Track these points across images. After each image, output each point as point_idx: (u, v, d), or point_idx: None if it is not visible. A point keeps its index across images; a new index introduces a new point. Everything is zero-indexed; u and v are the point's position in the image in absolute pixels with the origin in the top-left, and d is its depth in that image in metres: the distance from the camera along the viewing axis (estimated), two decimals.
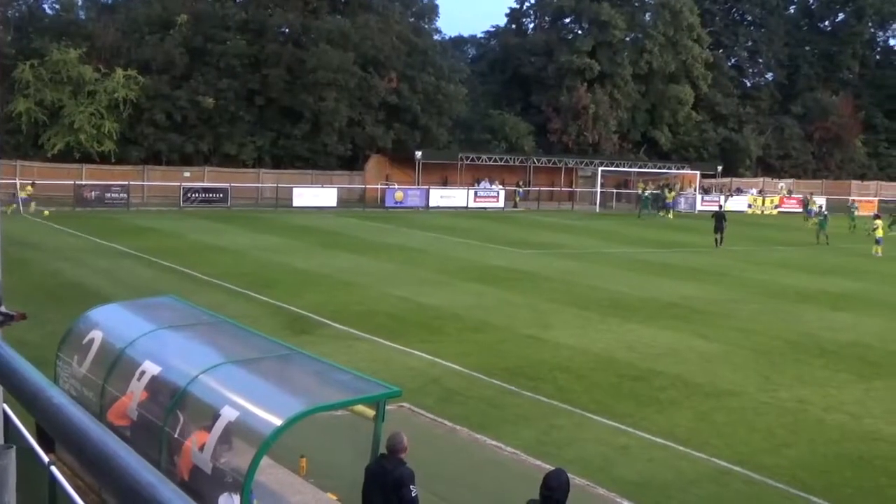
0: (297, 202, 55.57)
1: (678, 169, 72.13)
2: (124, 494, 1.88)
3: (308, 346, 15.92)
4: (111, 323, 11.40)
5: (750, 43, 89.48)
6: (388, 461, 8.41)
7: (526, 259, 35.35)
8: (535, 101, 75.86)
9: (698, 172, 71.26)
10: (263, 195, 58.26)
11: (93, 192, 50.63)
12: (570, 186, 70.62)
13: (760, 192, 76.18)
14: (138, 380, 9.72)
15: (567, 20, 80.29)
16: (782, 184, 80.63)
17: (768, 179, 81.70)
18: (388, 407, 9.31)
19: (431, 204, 59.93)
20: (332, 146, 62.36)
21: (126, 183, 52.30)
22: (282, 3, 62.74)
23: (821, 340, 22.06)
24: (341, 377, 9.67)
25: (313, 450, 11.06)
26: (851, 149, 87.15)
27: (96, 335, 10.96)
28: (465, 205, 61.38)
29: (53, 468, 6.46)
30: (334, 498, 10.15)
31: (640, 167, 71.07)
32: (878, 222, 43.82)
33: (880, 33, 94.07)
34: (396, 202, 58.76)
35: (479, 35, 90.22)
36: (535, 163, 68.34)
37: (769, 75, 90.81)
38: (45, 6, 62.81)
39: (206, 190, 54.34)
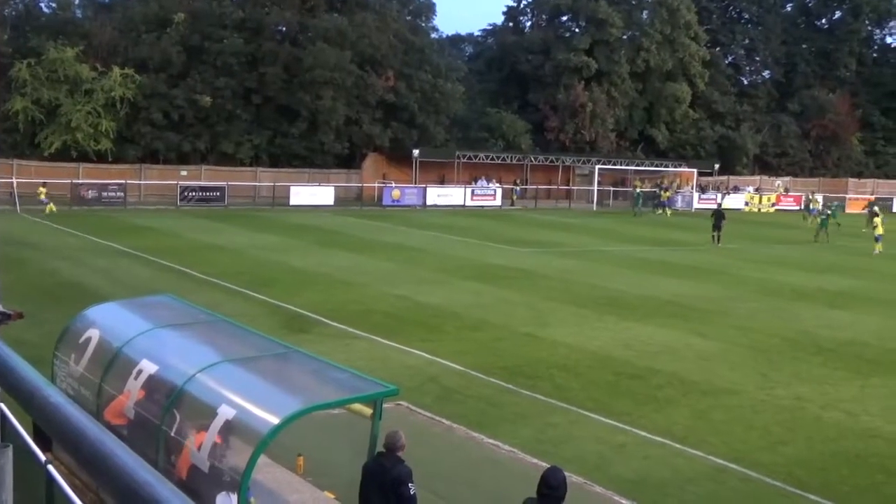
0: (294, 201, 55.57)
1: (675, 167, 72.19)
2: (122, 493, 1.88)
3: (305, 344, 15.91)
4: (108, 322, 11.39)
5: (747, 41, 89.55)
6: (386, 459, 8.41)
7: (523, 257, 35.35)
8: (532, 99, 75.86)
9: (695, 170, 71.32)
10: (260, 194, 58.26)
11: (90, 191, 50.62)
12: (568, 185, 70.71)
13: (757, 189, 76.32)
14: (135, 379, 9.72)
15: (564, 18, 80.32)
16: (779, 182, 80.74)
17: (765, 177, 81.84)
18: (385, 405, 9.32)
19: (429, 202, 59.93)
20: (329, 145, 62.35)
21: (123, 182, 52.28)
22: (279, 2, 62.73)
23: (818, 338, 22.08)
24: (339, 376, 9.67)
25: (311, 448, 11.06)
26: (848, 146, 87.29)
27: (93, 334, 10.95)
28: (462, 203, 61.39)
29: (50, 467, 6.46)
30: (332, 496, 10.16)
31: (638, 165, 71.12)
32: (878, 220, 43.79)
33: (877, 31, 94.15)
34: (394, 201, 58.76)
35: (477, 33, 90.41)
36: (532, 161, 68.38)
37: (766, 73, 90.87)
38: (42, 5, 62.89)
39: (203, 189, 54.33)
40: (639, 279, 30.58)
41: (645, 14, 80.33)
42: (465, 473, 12.44)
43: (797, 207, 65.44)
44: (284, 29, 63.04)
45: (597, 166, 67.03)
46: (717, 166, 74.11)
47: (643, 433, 14.27)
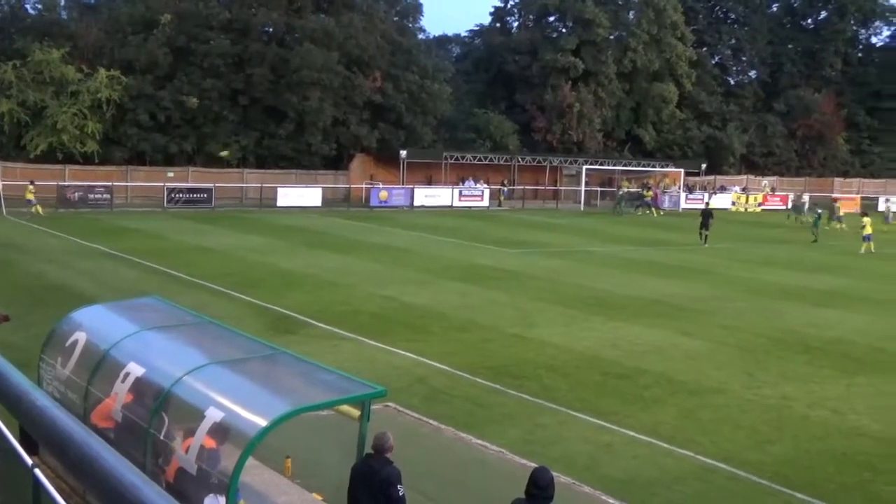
0: (281, 202, 55.51)
1: (663, 167, 72.34)
2: (109, 496, 1.89)
3: (293, 346, 15.91)
4: (95, 324, 11.35)
5: (733, 41, 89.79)
6: (375, 461, 8.41)
7: (511, 258, 35.39)
8: (519, 99, 75.90)
9: (682, 170, 71.43)
10: (248, 195, 58.17)
11: (76, 193, 50.42)
12: (555, 185, 70.77)
13: (744, 189, 76.54)
14: (122, 381, 9.69)
15: (551, 19, 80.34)
16: (766, 181, 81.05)
17: (752, 177, 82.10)
18: (373, 406, 9.32)
19: (416, 203, 59.93)
20: (317, 146, 62.26)
21: (109, 184, 52.11)
22: (266, 2, 62.60)
23: (805, 337, 22.18)
24: (326, 377, 9.66)
25: (299, 450, 11.06)
26: (834, 146, 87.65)
27: (80, 337, 10.92)
28: (449, 204, 61.42)
29: (37, 471, 6.44)
30: (320, 498, 10.16)
31: (625, 165, 71.25)
32: (866, 220, 43.99)
33: (862, 31, 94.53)
34: (381, 201, 58.75)
35: (464, 34, 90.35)
36: (519, 161, 68.39)
37: (752, 73, 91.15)
38: (28, 6, 62.46)
39: (189, 190, 54.20)
40: (626, 279, 30.66)
41: (632, 14, 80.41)
42: (454, 474, 12.45)
43: (784, 207, 65.56)
44: (271, 30, 62.91)
45: (584, 167, 67.12)
46: (704, 166, 74.27)
47: (631, 433, 14.31)
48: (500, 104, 75.82)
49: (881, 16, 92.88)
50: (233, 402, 8.66)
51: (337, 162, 64.53)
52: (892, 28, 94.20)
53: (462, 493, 11.91)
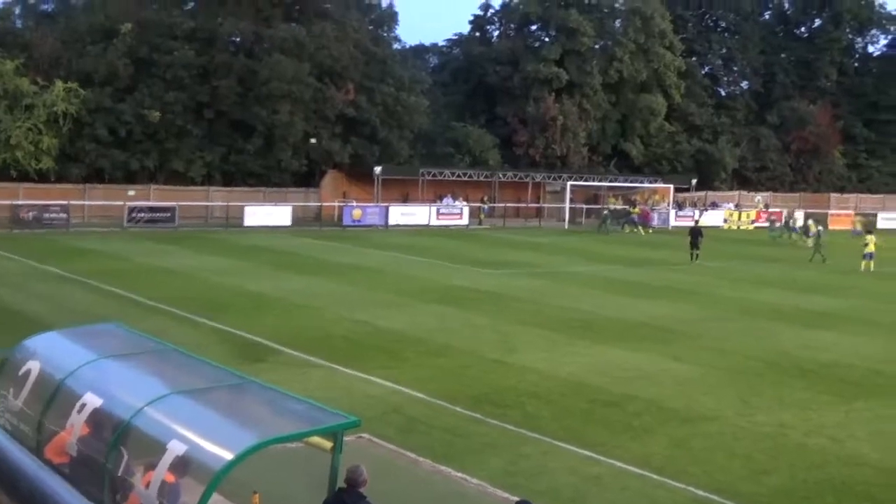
0: (248, 221, 55.38)
1: (651, 182, 72.68)
2: None
3: (261, 374, 15.85)
4: (50, 352, 11.28)
5: (724, 50, 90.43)
6: (348, 495, 8.39)
7: (491, 279, 35.41)
8: (500, 112, 76.16)
9: (672, 186, 71.74)
10: (213, 214, 58.01)
11: (30, 213, 50.11)
12: (538, 202, 70.93)
13: (737, 205, 76.92)
14: (79, 413, 9.62)
15: (533, 27, 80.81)
16: (759, 197, 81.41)
17: (744, 192, 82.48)
18: (346, 438, 9.30)
19: (391, 222, 59.94)
20: (287, 162, 62.23)
21: (66, 202, 51.82)
22: (233, 11, 62.62)
23: (800, 360, 22.26)
24: (296, 407, 9.63)
25: (267, 484, 10.97)
26: (830, 160, 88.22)
27: (33, 366, 10.84)
28: (426, 222, 61.45)
29: None
30: None
31: (611, 181, 71.52)
32: (870, 237, 44.28)
33: (858, 39, 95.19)
34: (354, 220, 58.72)
35: (441, 43, 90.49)
36: (500, 177, 68.53)
37: (744, 84, 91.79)
38: None
39: (151, 209, 53.99)
40: (613, 301, 30.73)
41: (618, 23, 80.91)
42: None
43: (778, 224, 65.94)
44: (239, 39, 62.96)
45: (568, 182, 67.28)
46: (694, 181, 74.68)
47: (620, 464, 14.30)
48: (479, 117, 76.04)
49: (878, 24, 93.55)
50: (196, 435, 8.61)
51: (308, 179, 64.52)
52: (889, 36, 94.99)
53: None
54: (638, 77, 78.15)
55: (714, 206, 75.63)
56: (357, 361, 20.13)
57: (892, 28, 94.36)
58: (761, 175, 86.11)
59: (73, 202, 52.71)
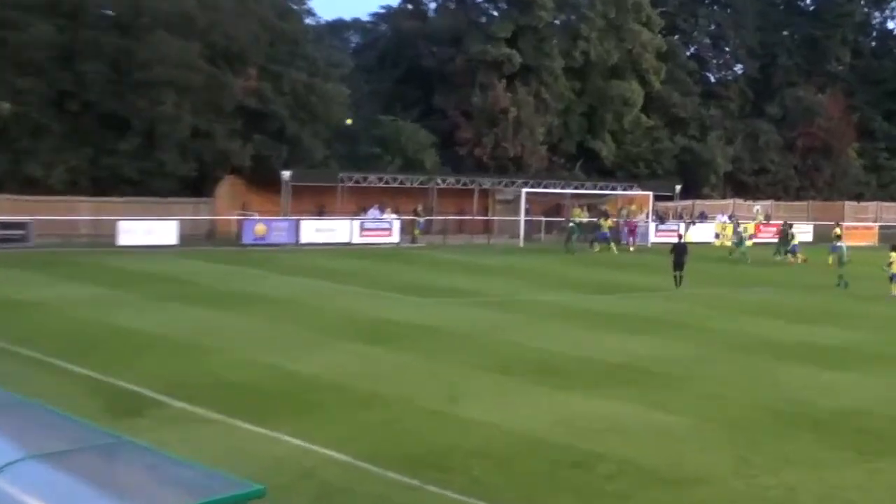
0: (123, 240, 54.92)
1: (625, 189, 73.00)
2: None
3: (139, 432, 15.70)
4: None
5: (713, 27, 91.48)
6: None
7: (428, 310, 35.47)
8: (438, 103, 76.40)
9: (651, 193, 71.86)
10: (79, 231, 57.50)
11: None
12: (486, 214, 71.11)
13: (731, 217, 77.34)
14: None
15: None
16: (758, 206, 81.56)
17: (740, 201, 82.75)
18: None
19: (303, 240, 59.83)
20: (172, 165, 61.75)
21: None
22: None
23: (810, 408, 22.47)
24: (184, 473, 9.57)
25: None
26: (844, 161, 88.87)
27: None
28: (347, 240, 61.42)
29: None
30: None
31: (577, 188, 71.75)
32: (894, 255, 44.79)
33: (876, 13, 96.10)
34: (257, 238, 58.53)
35: (365, 18, 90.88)
36: (439, 184, 68.54)
37: (738, 68, 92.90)
38: None
39: (0, 225, 53.39)
40: (580, 336, 30.86)
41: None
42: None
43: (774, 240, 66.53)
44: (111, 13, 62.53)
45: (524, 190, 67.41)
46: (678, 188, 74.92)
47: None
48: (412, 109, 76.18)
49: None
50: None
51: (199, 186, 64.12)
52: None
53: None
54: (608, 60, 78.78)
55: (703, 217, 75.97)
56: (261, 415, 20.01)
57: None
58: (760, 179, 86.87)
59: None
